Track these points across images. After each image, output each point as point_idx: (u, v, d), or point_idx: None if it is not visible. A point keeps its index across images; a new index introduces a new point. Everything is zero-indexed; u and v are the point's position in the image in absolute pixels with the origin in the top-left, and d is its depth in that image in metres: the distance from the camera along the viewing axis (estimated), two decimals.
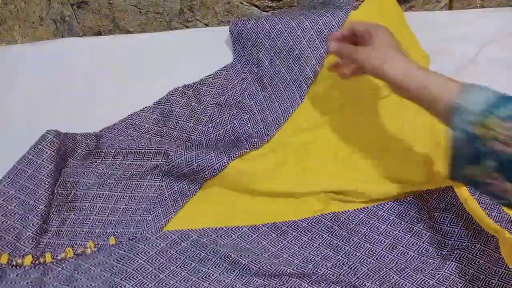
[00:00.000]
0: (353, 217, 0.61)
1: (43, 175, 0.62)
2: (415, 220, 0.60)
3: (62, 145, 0.65)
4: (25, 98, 0.75)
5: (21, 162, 0.62)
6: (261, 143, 0.67)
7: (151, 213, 0.62)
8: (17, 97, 0.75)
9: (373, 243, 0.59)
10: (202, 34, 0.83)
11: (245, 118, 0.71)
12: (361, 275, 0.55)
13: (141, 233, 0.60)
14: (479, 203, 0.59)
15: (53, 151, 0.63)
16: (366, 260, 0.57)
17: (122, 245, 0.58)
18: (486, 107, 0.45)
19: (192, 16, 0.85)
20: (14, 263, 0.57)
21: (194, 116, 0.72)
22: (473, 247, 0.55)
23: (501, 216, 0.59)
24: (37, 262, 0.57)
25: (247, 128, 0.70)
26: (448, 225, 0.58)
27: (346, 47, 0.58)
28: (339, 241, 0.59)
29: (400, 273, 0.55)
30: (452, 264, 0.55)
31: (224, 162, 0.63)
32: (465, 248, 0.56)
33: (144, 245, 0.58)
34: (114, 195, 0.64)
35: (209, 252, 0.58)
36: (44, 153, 0.63)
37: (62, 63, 0.79)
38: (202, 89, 0.74)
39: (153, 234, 0.59)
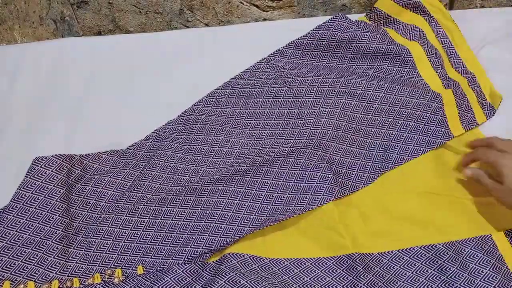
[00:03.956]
0: (377, 261, 0.57)
1: (56, 200, 0.59)
2: (444, 270, 0.56)
3: (74, 166, 0.63)
4: (25, 98, 0.75)
5: (28, 189, 0.59)
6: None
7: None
8: (17, 97, 0.75)
9: None
10: (202, 34, 0.83)
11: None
12: None
13: (169, 265, 0.57)
14: None
15: (63, 175, 0.61)
16: None
17: (150, 276, 0.56)
18: None
19: (192, 16, 0.85)
20: None
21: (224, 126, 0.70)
22: None
23: None
24: (64, 287, 0.56)
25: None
26: (484, 280, 0.54)
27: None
28: (363, 285, 0.55)
29: None
30: None
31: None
32: None
33: (171, 278, 0.55)
34: (144, 221, 0.61)
35: (228, 281, 0.54)
36: (55, 178, 0.60)
37: (62, 63, 0.79)
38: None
39: (180, 267, 0.56)
